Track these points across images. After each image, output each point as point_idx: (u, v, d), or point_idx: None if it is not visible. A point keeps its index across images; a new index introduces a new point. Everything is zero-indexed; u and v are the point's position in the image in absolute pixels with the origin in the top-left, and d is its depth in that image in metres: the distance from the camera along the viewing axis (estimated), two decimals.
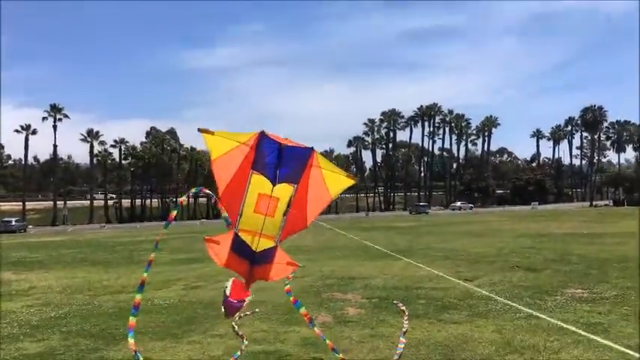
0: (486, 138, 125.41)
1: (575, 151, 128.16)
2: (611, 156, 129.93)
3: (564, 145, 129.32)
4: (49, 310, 11.19)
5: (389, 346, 7.42)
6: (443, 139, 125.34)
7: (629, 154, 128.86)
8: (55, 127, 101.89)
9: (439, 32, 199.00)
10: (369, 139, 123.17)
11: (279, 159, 5.08)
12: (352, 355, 7.01)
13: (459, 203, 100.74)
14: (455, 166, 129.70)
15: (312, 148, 5.16)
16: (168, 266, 18.57)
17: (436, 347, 7.31)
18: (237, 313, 5.90)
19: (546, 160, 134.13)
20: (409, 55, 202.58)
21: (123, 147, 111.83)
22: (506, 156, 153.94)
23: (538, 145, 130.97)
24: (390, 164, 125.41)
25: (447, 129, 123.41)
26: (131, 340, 5.33)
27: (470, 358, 6.84)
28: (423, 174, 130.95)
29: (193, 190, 6.11)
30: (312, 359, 7.02)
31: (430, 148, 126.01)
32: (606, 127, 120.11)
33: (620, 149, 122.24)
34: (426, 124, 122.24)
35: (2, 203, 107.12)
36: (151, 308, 10.77)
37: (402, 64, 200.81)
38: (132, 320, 5.38)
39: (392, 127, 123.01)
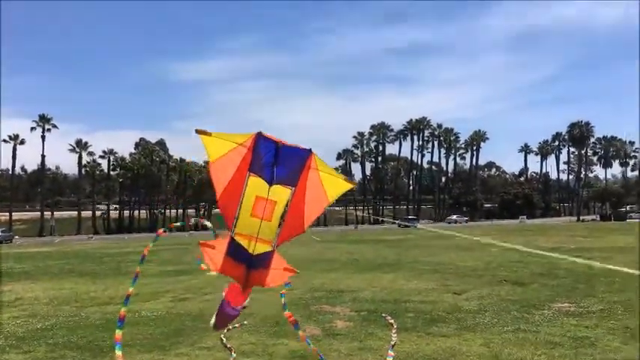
0: (475, 152, 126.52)
1: (563, 166, 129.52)
2: (598, 171, 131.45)
3: (552, 159, 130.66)
4: (35, 322, 11.07)
5: (377, 359, 7.43)
6: (432, 153, 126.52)
7: (616, 169, 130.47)
8: (43, 137, 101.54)
9: (429, 47, 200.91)
10: (358, 152, 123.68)
11: (276, 158, 4.99)
12: None
13: (454, 216, 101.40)
14: (443, 179, 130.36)
15: (310, 150, 5.06)
16: (157, 278, 18.46)
17: None
18: (228, 325, 5.83)
19: (534, 175, 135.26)
20: (399, 69, 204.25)
21: (112, 158, 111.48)
22: (494, 170, 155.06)
23: (526, 160, 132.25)
24: (379, 177, 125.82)
25: (435, 143, 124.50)
26: (119, 353, 5.30)
27: None
28: (411, 187, 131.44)
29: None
30: None
31: (419, 162, 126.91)
32: (593, 142, 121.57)
33: (606, 165, 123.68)
34: (415, 137, 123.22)
35: None
36: (138, 320, 10.70)
37: (392, 78, 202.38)
38: (118, 333, 5.36)
39: (381, 141, 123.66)
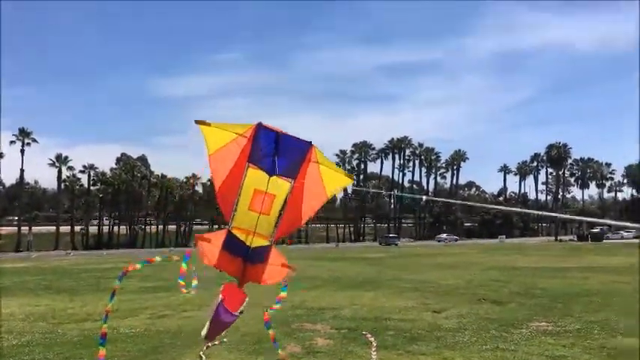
0: (455, 172, 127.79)
1: (541, 187, 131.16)
2: (575, 192, 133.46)
3: (530, 180, 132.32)
4: (11, 338, 10.89)
5: None
6: (413, 172, 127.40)
7: (592, 190, 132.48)
8: (22, 151, 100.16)
9: (412, 67, 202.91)
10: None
11: (277, 148, 4.83)
12: None
13: (444, 235, 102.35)
14: (424, 198, 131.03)
15: (310, 143, 4.92)
16: (136, 294, 18.27)
17: None
18: (220, 335, 5.68)
19: (513, 195, 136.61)
20: (381, 88, 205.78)
21: (92, 173, 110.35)
22: (474, 190, 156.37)
23: (505, 180, 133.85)
24: (361, 195, 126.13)
25: (417, 162, 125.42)
26: None
27: None
28: (392, 206, 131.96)
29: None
30: None
31: (400, 181, 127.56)
32: (570, 163, 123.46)
33: (583, 185, 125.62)
34: (397, 156, 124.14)
35: None
36: (117, 337, 10.58)
37: (375, 97, 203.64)
38: (102, 350, 5.29)
39: (363, 159, 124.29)
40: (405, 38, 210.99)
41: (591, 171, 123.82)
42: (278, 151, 4.82)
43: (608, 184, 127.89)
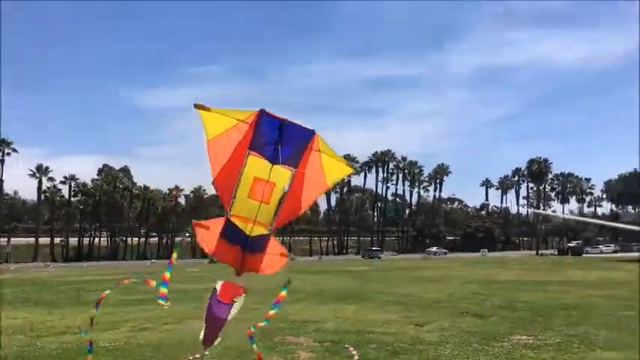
0: (438, 185, 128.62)
1: (522, 201, 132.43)
2: (556, 206, 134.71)
3: (512, 194, 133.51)
4: None
5: None
6: (396, 185, 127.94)
7: (573, 205, 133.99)
8: (2, 161, 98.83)
9: (394, 81, 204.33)
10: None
11: (280, 136, 4.74)
12: None
13: (434, 249, 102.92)
14: (407, 212, 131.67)
15: (313, 131, 4.85)
16: (116, 307, 18.05)
17: None
18: (217, 338, 5.58)
19: (495, 209, 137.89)
20: (365, 102, 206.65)
21: (73, 184, 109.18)
22: (457, 203, 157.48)
23: (487, 194, 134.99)
24: (344, 208, 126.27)
25: (400, 175, 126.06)
26: None
27: None
28: (376, 219, 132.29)
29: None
30: None
31: (384, 194, 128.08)
32: (551, 178, 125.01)
33: (564, 200, 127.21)
34: (380, 169, 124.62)
35: None
36: (96, 350, 10.44)
37: (358, 110, 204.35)
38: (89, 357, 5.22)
39: None
40: (388, 52, 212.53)
41: (571, 186, 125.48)
42: (282, 140, 4.75)
43: (588, 198, 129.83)
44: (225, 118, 4.73)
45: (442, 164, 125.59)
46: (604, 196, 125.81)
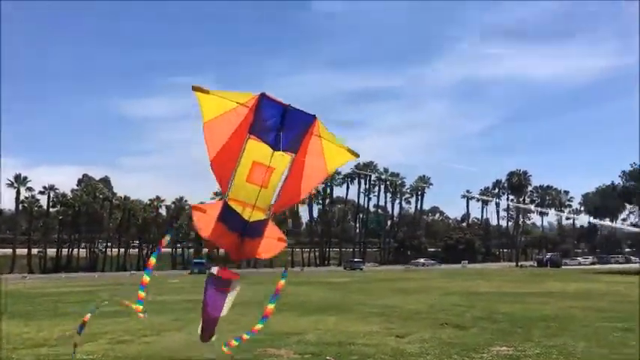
0: (419, 197, 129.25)
1: (502, 213, 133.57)
2: (535, 218, 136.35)
3: (492, 206, 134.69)
4: None
5: None
6: (378, 197, 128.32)
7: (552, 217, 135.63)
8: None
9: (376, 93, 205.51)
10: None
11: (282, 122, 4.65)
12: None
13: (422, 260, 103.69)
14: (389, 223, 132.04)
15: (314, 116, 4.78)
16: (95, 319, 17.73)
17: None
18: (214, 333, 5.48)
19: (475, 221, 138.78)
20: (346, 114, 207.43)
21: (52, 194, 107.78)
22: (438, 215, 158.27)
23: (468, 206, 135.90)
24: (326, 220, 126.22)
25: (382, 187, 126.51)
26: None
27: None
28: (358, 230, 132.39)
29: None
30: None
31: (366, 205, 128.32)
32: (530, 190, 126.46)
33: (543, 212, 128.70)
34: (362, 181, 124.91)
35: None
36: None
37: (340, 122, 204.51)
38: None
39: (329, 183, 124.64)
40: (367, 65, 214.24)
41: (550, 198, 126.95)
42: (284, 126, 4.69)
43: (566, 211, 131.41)
44: (224, 101, 4.63)
45: (424, 176, 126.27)
46: (582, 208, 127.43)
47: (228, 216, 4.73)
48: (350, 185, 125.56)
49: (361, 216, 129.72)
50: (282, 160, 4.73)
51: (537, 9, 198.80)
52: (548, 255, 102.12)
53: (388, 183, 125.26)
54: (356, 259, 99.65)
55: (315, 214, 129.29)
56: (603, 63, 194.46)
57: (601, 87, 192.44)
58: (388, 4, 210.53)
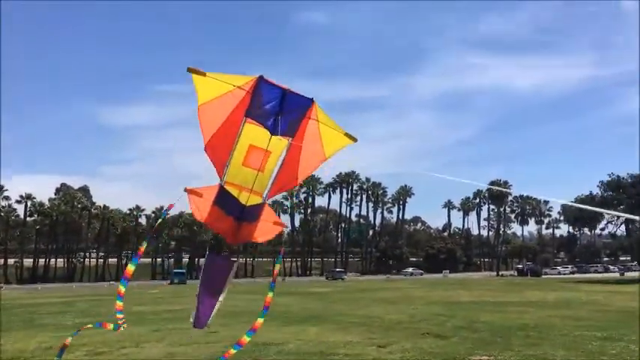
0: (401, 206, 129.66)
1: (483, 223, 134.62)
2: (515, 228, 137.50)
3: (473, 216, 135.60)
4: None
5: None
6: (360, 206, 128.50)
7: (532, 226, 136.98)
8: None
9: (358, 103, 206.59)
10: (287, 203, 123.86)
11: (281, 106, 4.56)
12: None
13: (410, 269, 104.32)
14: (371, 233, 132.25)
15: (312, 99, 4.70)
16: (72, 330, 17.50)
17: None
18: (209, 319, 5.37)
19: (457, 230, 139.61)
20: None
21: (29, 203, 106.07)
22: (420, 225, 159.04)
23: (449, 216, 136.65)
24: (308, 229, 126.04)
25: (364, 196, 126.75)
26: None
27: None
28: (340, 240, 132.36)
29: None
30: None
31: (348, 215, 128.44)
32: (511, 200, 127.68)
33: (523, 222, 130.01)
34: (344, 190, 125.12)
35: None
36: None
37: None
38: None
39: (311, 193, 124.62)
40: (351, 75, 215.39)
41: (530, 208, 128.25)
42: (282, 110, 4.59)
43: (546, 220, 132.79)
44: (220, 83, 4.54)
45: (405, 186, 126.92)
46: (561, 218, 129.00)
47: (224, 200, 4.67)
48: (332, 195, 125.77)
49: (343, 226, 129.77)
50: (278, 144, 4.67)
51: (517, 21, 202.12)
52: (528, 264, 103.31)
53: (370, 192, 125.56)
54: (338, 269, 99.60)
55: (297, 223, 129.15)
56: (581, 74, 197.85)
57: (579, 98, 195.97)
58: (371, 15, 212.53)
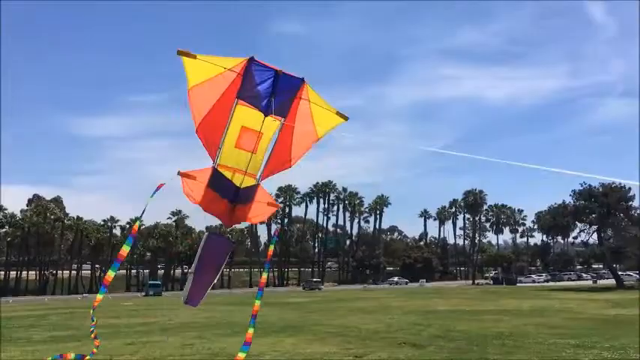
0: (378, 216, 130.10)
1: (459, 232, 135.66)
2: (491, 237, 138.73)
3: (449, 225, 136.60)
4: None
5: None
6: (337, 216, 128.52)
7: (507, 235, 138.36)
8: None
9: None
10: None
11: (274, 87, 4.53)
12: None
13: (395, 278, 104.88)
14: (348, 242, 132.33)
15: (302, 79, 4.67)
16: (45, 345, 17.15)
17: None
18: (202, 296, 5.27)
19: (433, 239, 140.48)
20: None
21: (0, 214, 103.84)
22: (396, 234, 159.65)
23: (425, 225, 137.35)
24: (284, 239, 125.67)
25: (341, 206, 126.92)
26: None
27: None
28: (317, 250, 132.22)
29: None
30: None
31: (325, 225, 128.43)
32: (486, 209, 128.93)
33: (498, 231, 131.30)
34: (321, 200, 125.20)
35: None
36: None
37: None
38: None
39: (288, 203, 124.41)
40: (325, 85, 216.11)
41: (505, 217, 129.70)
42: (275, 91, 4.57)
43: (520, 229, 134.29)
44: (210, 65, 4.49)
45: (382, 195, 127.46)
46: (535, 226, 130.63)
47: (218, 182, 4.64)
48: (309, 204, 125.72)
49: (320, 235, 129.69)
50: (271, 125, 4.67)
51: (491, 32, 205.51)
52: (495, 273, 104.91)
53: (347, 202, 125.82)
54: (314, 279, 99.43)
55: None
56: (555, 85, 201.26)
57: (553, 108, 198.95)
58: (346, 26, 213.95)
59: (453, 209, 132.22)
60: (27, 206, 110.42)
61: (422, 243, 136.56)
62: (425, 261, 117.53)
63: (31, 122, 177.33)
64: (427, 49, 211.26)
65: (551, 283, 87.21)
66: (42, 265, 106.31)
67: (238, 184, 4.80)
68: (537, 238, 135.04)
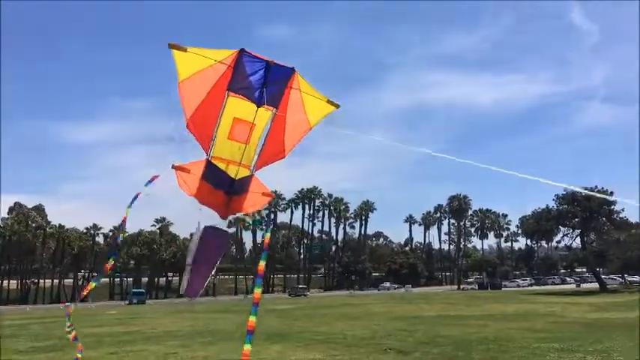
0: (364, 222, 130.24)
1: (444, 237, 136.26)
2: (476, 242, 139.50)
3: (434, 230, 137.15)
4: None
5: None
6: (322, 222, 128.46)
7: (491, 240, 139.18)
8: None
9: None
10: (249, 219, 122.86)
11: (266, 78, 4.54)
12: None
13: (387, 284, 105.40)
14: (334, 248, 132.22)
15: (293, 69, 4.68)
16: (26, 355, 16.88)
17: None
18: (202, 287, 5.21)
19: (418, 245, 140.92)
20: None
21: None
22: (382, 239, 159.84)
23: (411, 230, 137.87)
24: (270, 245, 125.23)
25: (326, 212, 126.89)
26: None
27: None
28: (302, 256, 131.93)
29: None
30: None
31: (310, 231, 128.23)
32: (471, 214, 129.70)
33: (483, 236, 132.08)
34: (307, 206, 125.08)
35: None
36: None
37: None
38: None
39: (273, 209, 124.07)
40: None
41: (489, 222, 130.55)
42: (267, 81, 4.58)
43: (505, 234, 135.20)
44: (201, 58, 4.48)
45: (367, 201, 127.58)
46: (519, 231, 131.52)
47: (212, 174, 4.64)
48: (294, 210, 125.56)
49: (305, 242, 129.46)
50: (263, 116, 4.67)
51: (478, 38, 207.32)
52: (479, 278, 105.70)
53: (332, 208, 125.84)
54: (300, 286, 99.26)
55: (259, 240, 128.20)
56: (541, 90, 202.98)
57: (539, 113, 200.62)
58: (335, 31, 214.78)
59: (438, 214, 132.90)
60: (8, 214, 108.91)
61: (407, 248, 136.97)
62: (410, 266, 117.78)
63: (14, 129, 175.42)
64: (415, 55, 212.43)
65: (535, 287, 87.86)
66: (23, 273, 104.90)
67: (233, 176, 4.80)
68: (521, 242, 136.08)
